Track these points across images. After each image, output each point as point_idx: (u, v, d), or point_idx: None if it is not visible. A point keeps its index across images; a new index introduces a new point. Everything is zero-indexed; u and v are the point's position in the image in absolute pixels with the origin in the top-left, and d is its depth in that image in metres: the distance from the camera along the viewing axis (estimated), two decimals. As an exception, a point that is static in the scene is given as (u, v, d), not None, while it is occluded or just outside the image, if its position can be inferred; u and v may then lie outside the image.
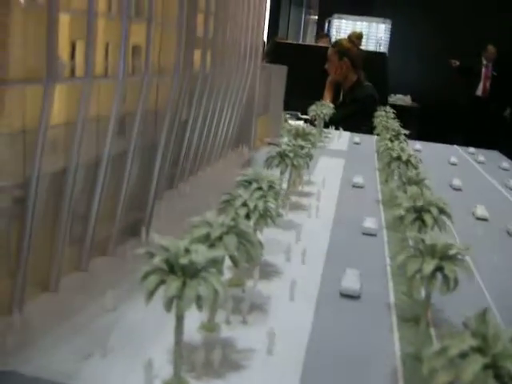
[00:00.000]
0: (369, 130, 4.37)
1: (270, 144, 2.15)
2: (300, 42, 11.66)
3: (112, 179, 0.94)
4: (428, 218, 0.92)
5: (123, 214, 1.01)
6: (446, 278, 0.72)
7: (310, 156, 1.34)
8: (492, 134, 8.28)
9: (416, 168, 1.31)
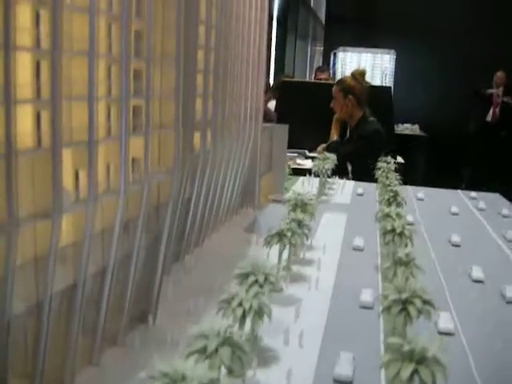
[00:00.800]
0: (373, 169, 4.43)
1: (274, 201, 2.22)
2: (307, 73, 11.84)
3: (118, 276, 1.01)
4: (412, 310, 0.97)
5: (131, 306, 1.07)
6: (422, 382, 0.78)
7: (308, 230, 1.40)
8: (501, 160, 8.31)
9: (410, 239, 1.37)
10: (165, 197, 1.12)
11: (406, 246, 1.36)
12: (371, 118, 4.70)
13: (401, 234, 1.34)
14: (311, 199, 1.57)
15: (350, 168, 4.77)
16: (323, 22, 11.86)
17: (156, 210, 1.11)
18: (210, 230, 1.72)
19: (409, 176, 6.85)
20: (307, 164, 4.53)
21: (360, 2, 10.73)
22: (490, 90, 9.05)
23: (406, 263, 1.12)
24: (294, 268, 1.47)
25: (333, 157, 2.45)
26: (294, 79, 6.44)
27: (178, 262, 1.48)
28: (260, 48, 1.96)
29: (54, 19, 0.73)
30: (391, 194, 1.75)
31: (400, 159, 7.03)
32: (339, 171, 4.77)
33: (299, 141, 5.20)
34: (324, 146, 4.95)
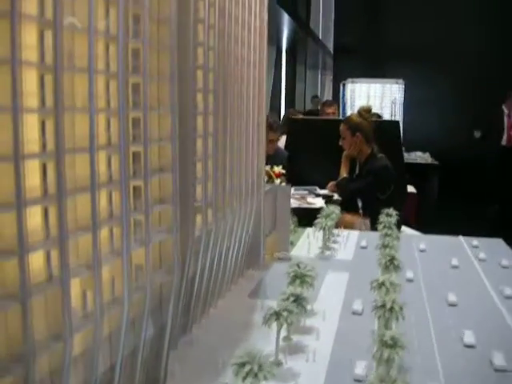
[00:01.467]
0: (384, 202, 4.51)
1: (280, 259, 2.31)
2: (318, 107, 11.97)
3: (126, 368, 1.11)
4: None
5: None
6: None
7: (306, 303, 1.49)
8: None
9: (401, 314, 1.45)
10: (168, 292, 1.23)
11: (397, 319, 1.44)
12: (380, 155, 4.81)
13: (391, 309, 1.42)
14: (310, 270, 1.66)
15: (360, 204, 4.86)
16: (332, 53, 12.04)
17: (159, 304, 1.22)
18: (215, 298, 1.81)
19: (422, 207, 6.92)
20: (317, 203, 4.60)
21: (366, 33, 10.90)
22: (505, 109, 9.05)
23: (392, 346, 1.20)
24: (295, 338, 1.56)
25: (336, 211, 2.54)
26: (302, 116, 6.54)
27: (186, 335, 1.58)
28: (260, 121, 2.07)
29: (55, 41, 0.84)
30: (388, 259, 1.83)
31: (412, 189, 7.10)
32: (350, 207, 4.86)
33: (309, 177, 5.31)
34: (334, 183, 5.05)
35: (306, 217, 4.39)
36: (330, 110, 7.29)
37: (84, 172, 0.94)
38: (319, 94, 12.52)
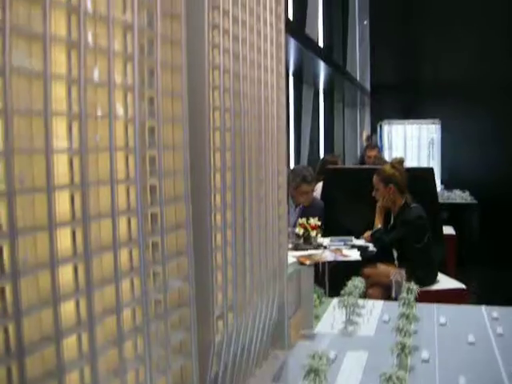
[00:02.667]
0: (420, 251, 4.57)
1: (304, 337, 2.46)
2: (357, 144, 12.10)
3: None
4: None
5: None
6: None
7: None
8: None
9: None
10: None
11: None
12: (413, 204, 4.92)
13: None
14: (324, 364, 1.80)
15: (395, 254, 4.95)
16: (369, 91, 12.19)
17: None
18: (241, 381, 1.96)
19: (462, 248, 6.91)
20: (353, 255, 4.70)
21: (403, 71, 11.02)
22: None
23: None
24: (309, 431, 1.70)
25: (360, 285, 2.67)
26: (339, 166, 6.67)
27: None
28: (281, 213, 2.24)
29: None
30: (400, 347, 1.96)
31: (451, 230, 7.10)
32: (385, 258, 4.94)
33: (346, 225, 5.43)
34: (370, 233, 5.16)
35: (342, 271, 4.50)
36: (372, 153, 7.49)
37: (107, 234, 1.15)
38: (358, 133, 12.64)
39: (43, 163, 0.98)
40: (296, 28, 7.01)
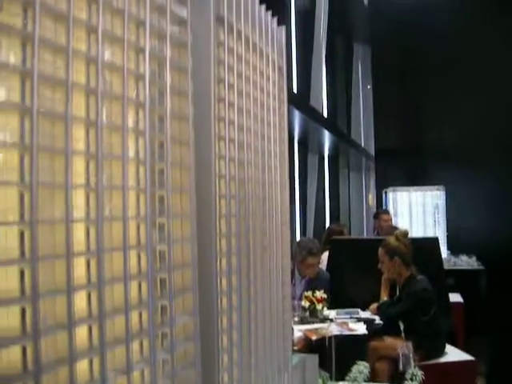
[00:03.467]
0: (427, 323, 4.54)
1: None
2: (363, 210, 12.18)
3: None
4: None
5: None
6: None
7: None
8: None
9: None
10: None
11: None
12: (419, 276, 4.92)
13: None
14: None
15: (402, 327, 4.90)
16: (373, 156, 12.38)
17: None
18: None
19: (470, 316, 6.84)
20: (359, 329, 4.63)
21: (406, 137, 11.20)
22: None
23: None
24: None
25: (365, 371, 2.69)
26: (344, 237, 6.70)
27: None
28: (286, 319, 2.29)
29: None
30: None
31: (458, 297, 7.05)
32: (392, 331, 4.90)
33: (353, 296, 5.41)
34: (375, 305, 5.13)
35: (349, 344, 4.46)
36: (386, 217, 7.68)
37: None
38: (364, 197, 12.76)
39: (63, 232, 1.08)
40: (300, 100, 7.24)
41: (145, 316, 1.36)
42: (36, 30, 1.01)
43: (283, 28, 2.46)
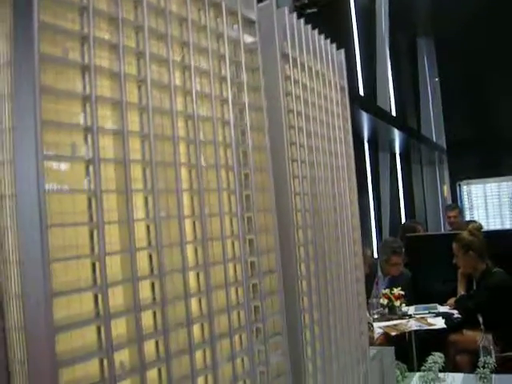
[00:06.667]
0: (506, 315, 4.56)
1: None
2: (439, 205, 12.06)
3: None
4: None
5: None
6: None
7: None
8: None
9: None
10: None
11: None
12: (495, 269, 4.97)
13: None
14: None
15: (481, 319, 4.97)
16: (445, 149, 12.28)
17: None
18: None
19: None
20: (438, 323, 4.76)
21: (478, 127, 11.01)
22: None
23: None
24: None
25: (439, 361, 2.88)
26: (419, 233, 6.79)
27: None
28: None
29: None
30: None
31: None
32: (471, 324, 4.96)
33: (429, 294, 5.51)
34: (453, 300, 5.24)
35: (428, 339, 4.58)
36: (451, 214, 7.62)
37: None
38: (439, 191, 12.67)
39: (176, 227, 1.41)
40: (367, 102, 7.42)
41: (242, 315, 1.67)
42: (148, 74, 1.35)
43: (342, 51, 2.75)
